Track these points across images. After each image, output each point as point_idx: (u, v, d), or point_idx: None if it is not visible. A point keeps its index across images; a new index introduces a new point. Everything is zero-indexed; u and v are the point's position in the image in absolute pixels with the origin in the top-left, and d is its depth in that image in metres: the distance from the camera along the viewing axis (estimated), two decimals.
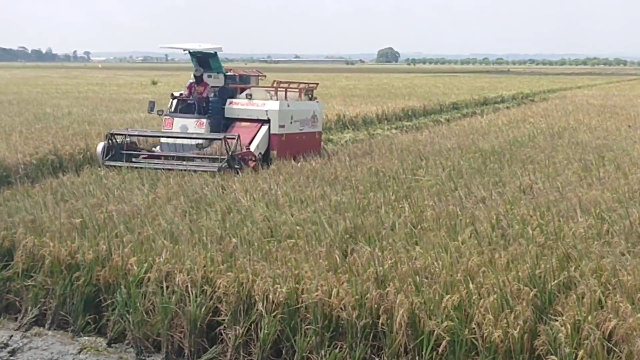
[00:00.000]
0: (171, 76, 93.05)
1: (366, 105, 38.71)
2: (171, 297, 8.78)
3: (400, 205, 12.26)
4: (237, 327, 8.42)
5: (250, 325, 8.40)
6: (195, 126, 19.06)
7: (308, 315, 8.22)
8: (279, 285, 8.41)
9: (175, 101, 19.98)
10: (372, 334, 8.02)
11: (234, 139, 17.43)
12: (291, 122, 19.62)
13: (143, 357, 8.76)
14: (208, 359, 8.48)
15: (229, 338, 8.45)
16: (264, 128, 19.04)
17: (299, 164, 17.45)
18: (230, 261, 9.16)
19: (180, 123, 19.22)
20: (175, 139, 18.78)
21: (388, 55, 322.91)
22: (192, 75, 20.32)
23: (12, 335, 9.23)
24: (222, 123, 19.46)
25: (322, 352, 8.01)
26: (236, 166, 16.77)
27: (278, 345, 8.34)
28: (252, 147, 18.37)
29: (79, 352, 8.78)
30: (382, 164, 17.36)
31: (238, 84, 20.85)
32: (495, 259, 8.87)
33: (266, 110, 19.15)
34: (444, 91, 57.66)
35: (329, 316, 8.14)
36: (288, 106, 19.60)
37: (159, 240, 10.04)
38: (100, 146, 18.21)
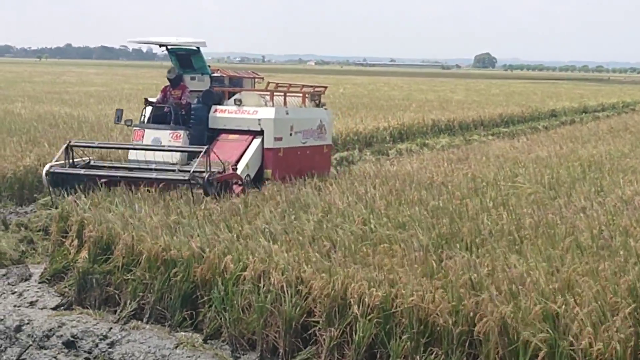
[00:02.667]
0: (268, 77, 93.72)
1: (462, 110, 38.38)
2: (267, 296, 8.84)
3: (497, 212, 12.08)
4: (332, 329, 8.42)
5: (345, 327, 8.39)
6: (170, 139, 15.34)
7: (403, 320, 8.16)
8: (374, 289, 8.38)
9: (149, 109, 16.26)
10: (467, 342, 7.93)
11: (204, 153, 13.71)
12: (291, 134, 16.08)
13: (238, 355, 8.84)
14: (303, 359, 8.49)
15: (324, 339, 8.46)
16: (256, 142, 15.51)
17: (394, 168, 17.38)
18: (324, 263, 9.14)
19: (152, 136, 15.49)
20: (145, 153, 14.97)
21: (485, 61, 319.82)
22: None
23: (111, 328, 9.42)
24: (206, 135, 15.80)
25: (417, 357, 7.94)
26: (213, 191, 13.25)
27: (372, 349, 8.31)
28: (240, 166, 14.89)
29: (176, 347, 8.90)
30: (479, 170, 17.16)
31: (227, 87, 16.99)
32: (598, 270, 8.65)
33: (259, 119, 15.59)
34: (542, 98, 56.74)
35: (425, 322, 8.07)
36: (287, 114, 16.06)
37: (255, 239, 10.12)
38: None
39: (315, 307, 8.68)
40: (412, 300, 8.10)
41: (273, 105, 16.01)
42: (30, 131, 22.11)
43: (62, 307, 10.27)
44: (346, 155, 23.95)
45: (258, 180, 15.08)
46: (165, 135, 15.37)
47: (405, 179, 15.69)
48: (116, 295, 10.10)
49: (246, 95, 16.35)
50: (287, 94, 16.60)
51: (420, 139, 29.04)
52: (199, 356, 8.70)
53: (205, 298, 9.45)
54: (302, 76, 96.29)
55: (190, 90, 16.18)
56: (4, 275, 11.29)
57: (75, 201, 11.95)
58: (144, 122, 16.06)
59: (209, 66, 17.15)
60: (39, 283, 10.99)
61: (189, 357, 8.69)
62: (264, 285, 8.99)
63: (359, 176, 16.20)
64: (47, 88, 51.84)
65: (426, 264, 9.13)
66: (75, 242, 11.12)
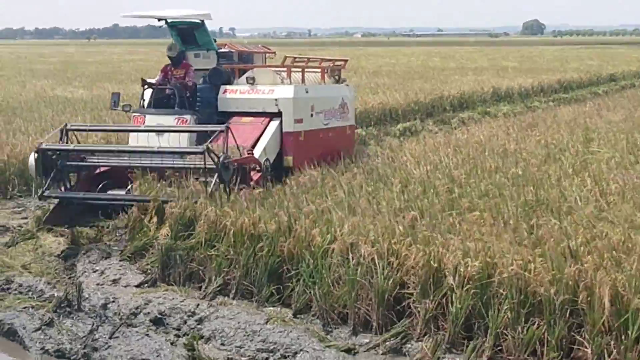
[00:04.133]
0: (316, 52, 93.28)
1: (520, 77, 37.77)
2: (357, 269, 8.66)
3: (580, 178, 11.76)
4: (427, 301, 8.21)
5: (441, 299, 8.18)
6: (176, 125, 13.55)
7: (501, 291, 7.92)
8: (469, 259, 8.15)
9: (149, 92, 14.40)
10: (569, 311, 7.67)
11: (222, 133, 11.80)
12: (312, 115, 14.34)
13: (330, 329, 8.67)
14: (397, 332, 8.30)
15: (418, 312, 8.26)
16: (274, 125, 13.71)
17: (465, 136, 17.07)
18: (413, 233, 8.92)
19: (154, 122, 13.64)
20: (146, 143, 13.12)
21: (533, 28, 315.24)
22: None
23: (198, 304, 9.30)
24: (216, 120, 13.87)
25: (519, 328, 7.69)
26: (230, 177, 11.36)
27: (469, 321, 8.09)
28: (257, 152, 13.06)
29: (266, 322, 8.75)
30: (550, 136, 16.79)
31: (236, 64, 15.33)
32: None
33: (276, 99, 13.81)
34: (599, 63, 55.71)
35: (524, 292, 7.82)
36: (306, 92, 14.31)
37: (338, 212, 9.95)
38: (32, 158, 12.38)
39: (408, 279, 8.48)
40: (512, 269, 7.85)
41: (291, 83, 14.26)
42: None
43: (146, 285, 10.18)
44: (409, 125, 23.69)
45: (277, 169, 13.34)
46: (169, 121, 13.53)
47: (478, 147, 15.41)
48: (200, 272, 9.99)
49: (259, 72, 14.57)
50: (305, 70, 14.96)
51: (481, 108, 28.69)
52: (291, 331, 8.53)
53: (293, 272, 9.30)
54: (349, 49, 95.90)
55: (195, 69, 14.43)
56: (84, 253, 11.24)
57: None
58: (143, 107, 14.30)
59: (215, 40, 15.40)
60: (120, 261, 10.91)
61: (280, 332, 8.53)
62: (353, 258, 8.81)
63: (431, 146, 15.91)
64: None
65: (518, 233, 8.89)
66: (155, 219, 11.02)
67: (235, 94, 14.17)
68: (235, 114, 13.91)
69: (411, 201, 10.42)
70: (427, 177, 12.03)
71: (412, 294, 8.39)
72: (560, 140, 15.97)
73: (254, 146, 13.05)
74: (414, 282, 8.41)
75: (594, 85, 39.46)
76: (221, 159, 11.06)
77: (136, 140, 13.61)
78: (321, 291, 8.80)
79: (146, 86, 14.43)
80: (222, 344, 8.60)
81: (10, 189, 15.01)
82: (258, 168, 12.20)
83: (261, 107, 13.86)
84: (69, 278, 10.62)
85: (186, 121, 13.45)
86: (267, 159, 13.12)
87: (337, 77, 15.88)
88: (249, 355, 8.37)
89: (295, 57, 16.02)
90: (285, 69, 14.70)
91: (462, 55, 71.56)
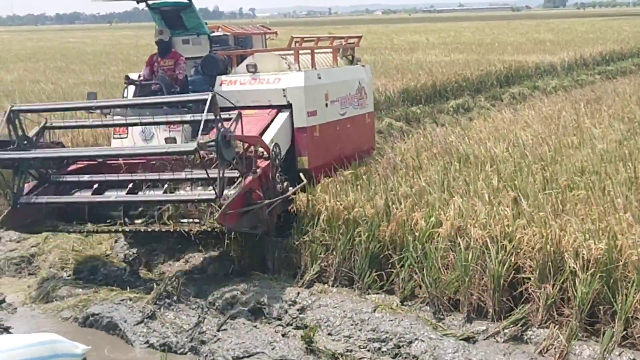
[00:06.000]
0: (340, 29, 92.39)
1: (561, 51, 37.10)
2: (468, 253, 8.30)
3: None
4: (547, 286, 7.85)
5: (562, 283, 7.82)
6: (165, 128, 11.20)
7: (629, 275, 7.55)
8: (592, 241, 7.77)
9: (131, 89, 11.87)
10: None
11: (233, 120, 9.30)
12: (327, 105, 11.81)
13: (442, 316, 8.34)
14: (517, 319, 7.94)
15: (538, 297, 7.90)
16: (282, 116, 11.17)
17: (531, 112, 16.61)
18: (529, 214, 8.54)
19: (140, 128, 11.27)
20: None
21: (555, 0, 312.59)
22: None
23: (298, 293, 8.98)
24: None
25: None
26: (233, 156, 9.14)
27: (593, 307, 7.72)
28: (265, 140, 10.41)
29: (374, 310, 8.42)
30: (620, 109, 16.30)
31: (233, 49, 13.08)
32: None
33: (283, 89, 11.23)
34: (634, 34, 54.81)
35: None
36: (319, 78, 11.72)
37: (434, 194, 9.59)
38: None
39: (524, 263, 8.12)
40: None
41: (300, 68, 11.73)
42: None
43: (234, 274, 9.87)
44: (461, 102, 23.25)
45: (290, 172, 10.67)
46: (156, 126, 11.10)
47: (543, 121, 15.00)
48: (294, 258, 9.66)
49: (261, 57, 11.97)
50: (315, 51, 12.29)
51: (528, 82, 28.17)
52: (402, 319, 8.18)
53: (396, 258, 8.95)
54: (373, 26, 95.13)
55: (186, 58, 12.05)
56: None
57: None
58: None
59: (206, 23, 13.00)
60: (202, 249, 10.58)
61: (390, 320, 8.19)
62: (460, 243, 8.45)
63: (500, 122, 15.48)
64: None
65: (632, 211, 8.50)
66: None
67: (234, 85, 11.62)
68: (234, 109, 10.11)
69: (507, 181, 10.01)
70: (511, 155, 11.62)
71: (529, 279, 8.03)
72: (634, 113, 15.49)
73: (261, 135, 10.56)
74: (530, 267, 8.05)
75: (635, 56, 38.74)
76: (221, 131, 8.84)
77: (120, 143, 11.46)
78: (430, 277, 8.45)
79: (128, 83, 11.97)
80: (329, 334, 8.28)
81: None
82: (266, 154, 9.87)
83: (266, 99, 11.29)
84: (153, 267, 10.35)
85: (178, 125, 11.09)
86: (277, 144, 10.55)
87: (350, 58, 13.59)
88: (359, 345, 8.04)
89: (303, 38, 13.86)
90: (292, 52, 12.17)
91: (492, 30, 70.64)
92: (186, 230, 9.23)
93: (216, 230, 9.11)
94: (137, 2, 12.40)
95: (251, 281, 9.38)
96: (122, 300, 8.96)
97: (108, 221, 9.90)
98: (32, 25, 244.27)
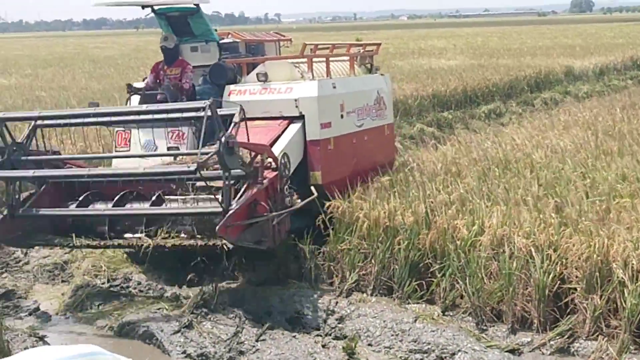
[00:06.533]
0: (367, 35, 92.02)
1: (591, 56, 36.75)
2: (512, 262, 8.10)
3: None
4: (594, 297, 7.64)
5: (610, 294, 7.60)
6: (170, 141, 10.52)
7: None
8: None
9: (135, 98, 11.28)
10: None
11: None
12: (342, 116, 11.11)
13: (485, 327, 8.14)
14: (563, 330, 7.74)
15: (584, 308, 7.69)
16: (294, 127, 10.52)
17: (567, 117, 16.36)
18: (574, 223, 8.33)
19: (144, 137, 10.57)
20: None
21: (582, 5, 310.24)
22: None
23: (337, 302, 8.82)
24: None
25: None
26: (237, 163, 8.51)
27: None
28: (275, 152, 9.72)
29: (415, 321, 8.25)
30: None
31: (243, 56, 12.30)
32: None
33: (295, 100, 10.58)
34: None
35: None
36: (334, 87, 11.02)
37: (475, 201, 9.39)
38: None
39: (570, 273, 7.91)
40: None
41: (313, 77, 10.99)
42: None
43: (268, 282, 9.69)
44: (492, 107, 23.04)
45: (301, 187, 9.92)
46: (160, 135, 10.34)
47: (587, 127, 14.74)
48: (332, 267, 9.49)
49: (273, 65, 11.24)
50: (330, 59, 11.51)
51: (558, 87, 27.92)
52: (444, 330, 8.02)
53: (437, 266, 8.76)
54: (398, 32, 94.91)
55: (193, 67, 11.38)
56: None
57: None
58: None
59: (216, 30, 12.32)
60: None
61: (433, 331, 8.02)
62: (504, 251, 8.26)
63: (535, 128, 15.25)
64: None
65: None
66: None
67: (243, 95, 10.91)
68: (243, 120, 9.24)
69: (548, 188, 9.80)
70: (549, 162, 11.40)
71: (575, 289, 7.82)
72: None
73: (271, 145, 9.87)
74: (577, 277, 7.84)
75: None
76: (223, 138, 8.13)
77: (122, 162, 10.56)
78: (472, 287, 8.26)
79: (132, 92, 11.40)
80: (369, 345, 8.12)
81: None
82: (274, 165, 9.20)
83: (277, 110, 10.63)
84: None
85: (183, 135, 10.47)
86: (287, 154, 9.68)
87: (369, 67, 12.74)
88: (400, 357, 7.87)
89: (316, 45, 13.04)
90: (305, 59, 11.35)
91: (520, 35, 70.18)
92: (185, 245, 8.80)
93: (218, 245, 8.51)
94: (142, 8, 11.80)
95: (288, 290, 9.23)
96: (158, 309, 8.84)
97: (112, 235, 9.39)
98: (60, 30, 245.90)
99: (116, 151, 10.96)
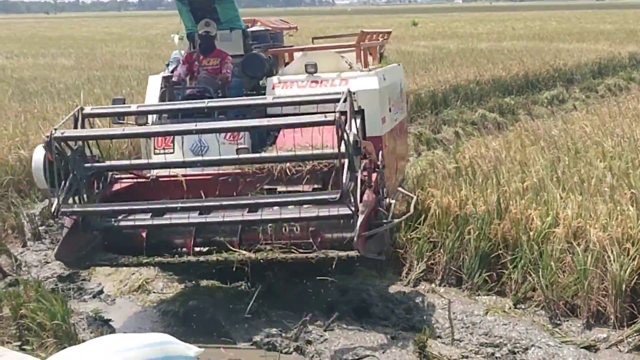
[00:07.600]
0: (422, 17, 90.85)
1: (628, 44, 35.76)
2: (587, 256, 7.84)
3: None
4: None
5: None
6: (224, 141, 9.27)
7: None
8: None
9: (168, 92, 10.24)
10: None
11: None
12: (390, 110, 10.32)
13: (558, 321, 7.89)
14: None
15: None
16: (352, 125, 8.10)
17: (632, 104, 15.94)
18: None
19: (190, 140, 9.21)
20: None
21: None
22: (178, 39, 11.23)
23: (404, 292, 8.64)
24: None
25: None
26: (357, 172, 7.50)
27: None
28: None
29: (486, 313, 8.04)
30: None
31: (270, 46, 11.34)
32: None
33: (354, 93, 8.16)
34: None
35: None
36: (384, 79, 10.14)
37: (551, 190, 9.12)
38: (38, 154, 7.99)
39: None
40: None
41: (369, 69, 10.08)
42: None
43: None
44: (555, 93, 22.63)
45: None
46: (212, 138, 8.97)
47: (625, 114, 14.44)
48: (400, 255, 9.29)
49: (320, 56, 10.19)
50: (368, 48, 10.63)
51: (623, 73, 27.36)
52: (516, 323, 7.80)
53: (509, 258, 8.53)
54: (452, 15, 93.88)
55: None
56: None
57: None
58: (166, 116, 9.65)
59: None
60: None
61: (504, 324, 7.80)
62: (579, 244, 8.00)
63: (604, 114, 14.87)
64: None
65: None
66: None
67: (290, 88, 9.81)
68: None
69: (621, 178, 9.50)
70: (622, 151, 11.07)
71: None
72: None
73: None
74: None
75: None
76: (351, 137, 7.18)
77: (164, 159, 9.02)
78: (546, 280, 8.01)
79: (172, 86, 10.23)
80: (438, 337, 7.91)
81: None
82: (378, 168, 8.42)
83: (330, 105, 8.16)
84: None
85: (238, 134, 9.43)
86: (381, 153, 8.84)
87: (380, 55, 11.64)
88: (471, 350, 7.66)
89: (362, 31, 10.93)
90: (354, 48, 10.33)
91: (579, 19, 68.94)
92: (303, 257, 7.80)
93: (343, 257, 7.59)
94: None
95: (355, 278, 9.03)
96: (224, 295, 8.71)
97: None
98: (115, 11, 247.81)
99: (155, 154, 9.56)
